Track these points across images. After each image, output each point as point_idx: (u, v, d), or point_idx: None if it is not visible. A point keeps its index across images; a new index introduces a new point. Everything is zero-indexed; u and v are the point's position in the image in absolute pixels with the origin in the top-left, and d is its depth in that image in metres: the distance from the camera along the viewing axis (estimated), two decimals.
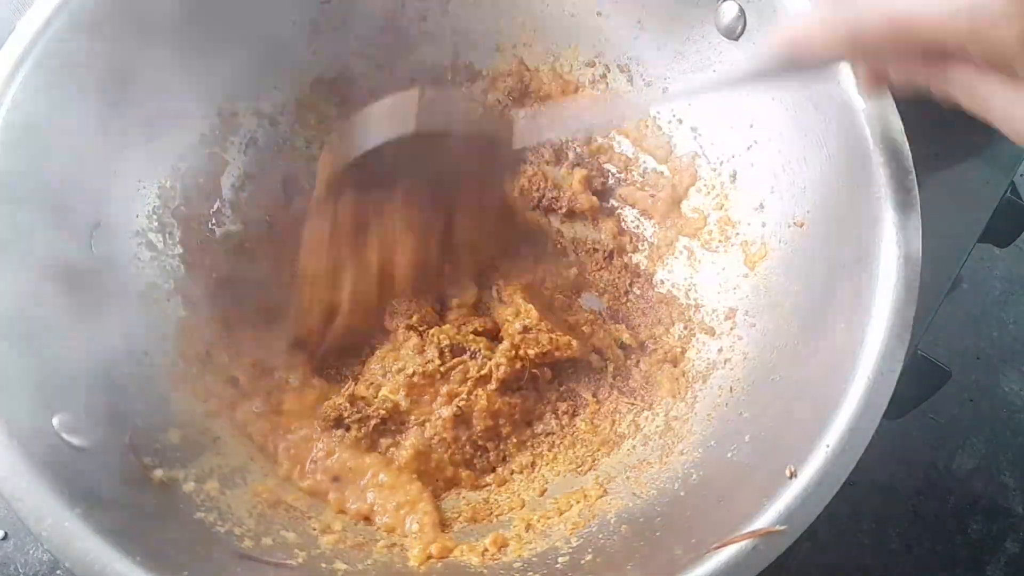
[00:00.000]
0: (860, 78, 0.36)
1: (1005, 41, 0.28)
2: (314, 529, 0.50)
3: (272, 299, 0.59)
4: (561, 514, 0.52)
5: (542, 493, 0.55)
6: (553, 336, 0.57)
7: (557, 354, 0.58)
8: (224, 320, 0.57)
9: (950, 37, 0.30)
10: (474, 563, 0.48)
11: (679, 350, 0.59)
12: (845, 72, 0.49)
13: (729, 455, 0.49)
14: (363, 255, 0.56)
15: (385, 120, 0.48)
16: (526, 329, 0.58)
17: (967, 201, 0.62)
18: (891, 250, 0.45)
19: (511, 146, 0.50)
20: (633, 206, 0.65)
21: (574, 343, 0.57)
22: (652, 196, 0.64)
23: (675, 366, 0.59)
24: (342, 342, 0.58)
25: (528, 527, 0.51)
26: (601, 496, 0.52)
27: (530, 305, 0.58)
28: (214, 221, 0.60)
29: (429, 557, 0.48)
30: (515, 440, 0.57)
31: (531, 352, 0.57)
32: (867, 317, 0.44)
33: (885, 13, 0.32)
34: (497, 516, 0.53)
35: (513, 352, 0.56)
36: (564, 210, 0.66)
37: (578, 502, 0.52)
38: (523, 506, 0.54)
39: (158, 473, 0.45)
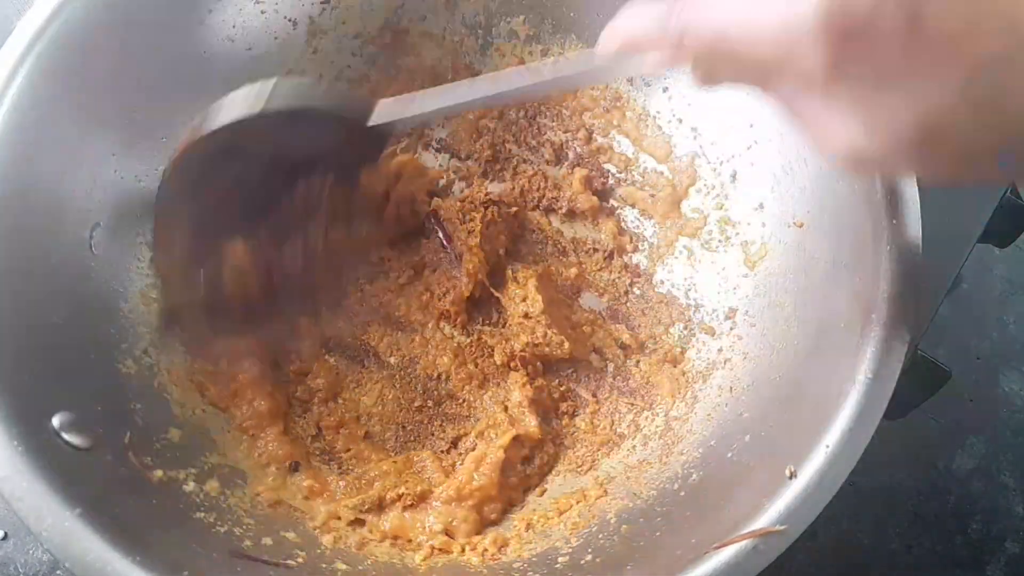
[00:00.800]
0: (694, 78, 0.37)
1: (813, 69, 0.30)
2: (314, 529, 0.50)
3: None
4: (561, 514, 0.52)
5: (542, 493, 0.55)
6: (549, 332, 0.57)
7: (547, 351, 0.58)
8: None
9: (767, 58, 0.32)
10: (474, 563, 0.48)
11: (679, 350, 0.59)
12: None
13: (729, 455, 0.49)
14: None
15: (237, 102, 0.47)
16: (526, 316, 0.58)
17: (967, 201, 0.61)
18: (891, 250, 0.45)
19: (365, 124, 0.48)
20: (633, 206, 0.65)
21: (566, 345, 0.57)
22: (652, 196, 0.64)
23: (675, 366, 0.59)
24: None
25: (528, 527, 0.51)
26: (601, 496, 0.52)
27: (538, 296, 0.58)
28: None
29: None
30: None
31: (522, 339, 0.57)
32: (867, 317, 0.44)
33: (709, 27, 0.34)
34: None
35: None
36: (564, 210, 0.66)
37: (578, 502, 0.52)
38: (523, 506, 0.54)
39: (158, 473, 0.45)
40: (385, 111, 0.48)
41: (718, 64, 0.35)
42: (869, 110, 0.31)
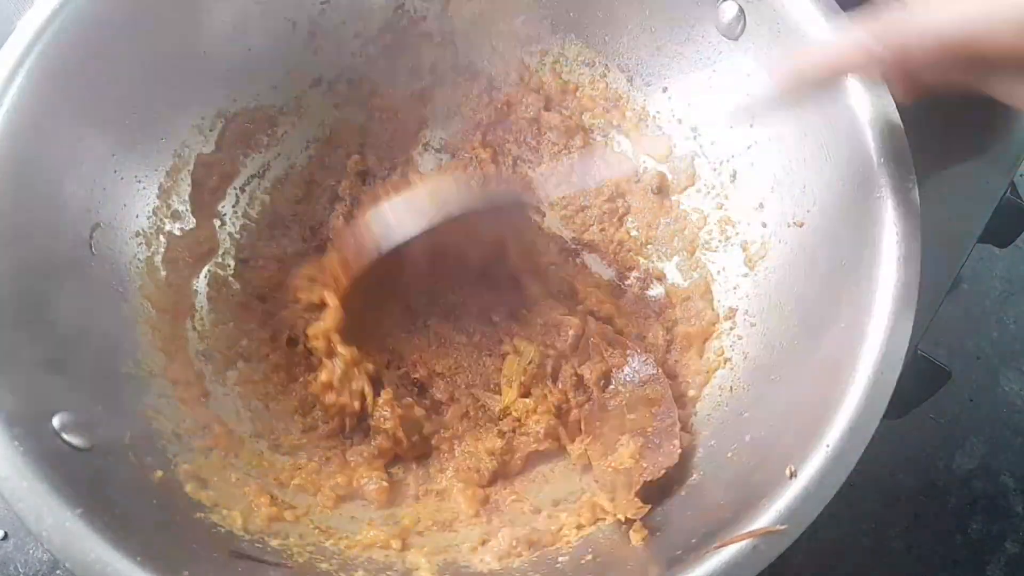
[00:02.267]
0: (896, 93, 0.37)
1: None
2: (315, 530, 0.50)
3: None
4: (561, 513, 0.52)
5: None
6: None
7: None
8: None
9: (1003, 50, 0.32)
10: (475, 562, 0.48)
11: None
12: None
13: (729, 455, 0.49)
14: None
15: (402, 217, 0.49)
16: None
17: (967, 201, 0.62)
18: (891, 250, 0.45)
19: (535, 203, 0.53)
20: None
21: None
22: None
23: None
24: None
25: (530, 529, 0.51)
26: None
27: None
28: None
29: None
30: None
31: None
32: (867, 317, 0.44)
33: (934, 35, 0.33)
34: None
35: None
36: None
37: (577, 501, 0.52)
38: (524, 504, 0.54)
39: (158, 473, 0.45)
40: (545, 188, 0.53)
41: (955, 67, 0.35)
42: None
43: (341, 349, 0.55)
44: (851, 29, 0.38)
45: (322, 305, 0.56)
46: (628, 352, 0.57)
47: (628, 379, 0.56)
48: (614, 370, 0.57)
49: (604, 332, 0.58)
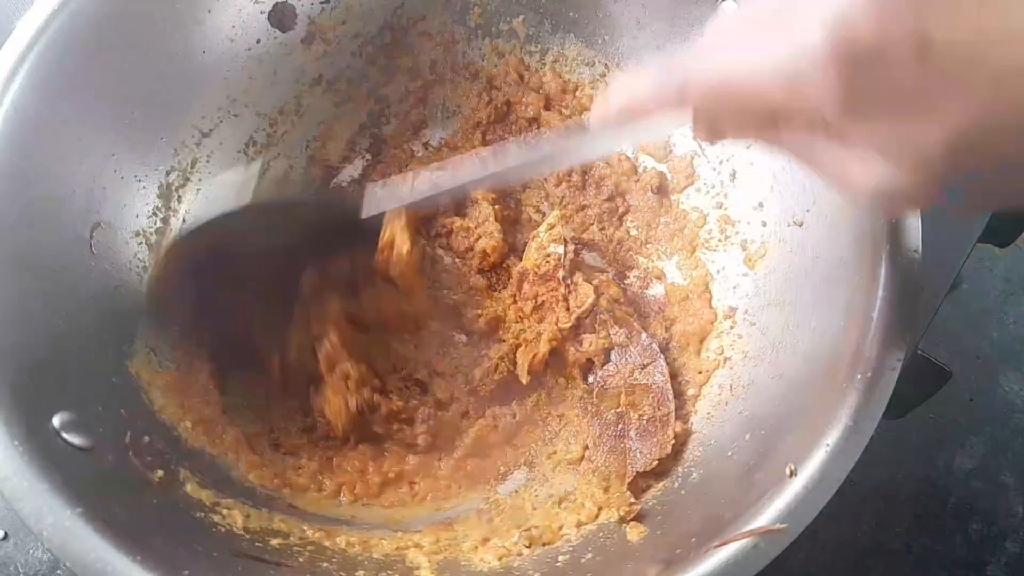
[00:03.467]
0: (698, 134, 0.37)
1: (825, 107, 0.29)
2: (316, 530, 0.50)
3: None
4: (562, 512, 0.52)
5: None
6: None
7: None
8: None
9: (774, 103, 0.31)
10: (475, 561, 0.48)
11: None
12: None
13: (729, 454, 0.49)
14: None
15: (225, 188, 0.48)
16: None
17: None
18: (891, 250, 0.45)
19: (358, 216, 0.49)
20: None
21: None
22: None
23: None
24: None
25: (530, 528, 0.51)
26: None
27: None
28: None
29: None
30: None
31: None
32: (867, 317, 0.44)
33: (711, 77, 0.33)
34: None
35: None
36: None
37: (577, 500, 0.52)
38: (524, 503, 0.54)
39: (158, 473, 0.45)
40: (375, 202, 0.49)
41: (723, 115, 0.34)
42: (892, 142, 0.29)
43: (352, 370, 0.55)
44: (650, 71, 0.37)
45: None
46: (633, 333, 0.57)
47: (629, 360, 0.56)
48: (617, 348, 0.57)
49: (614, 309, 0.58)
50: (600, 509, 0.50)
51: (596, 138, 0.43)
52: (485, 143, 0.67)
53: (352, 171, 0.66)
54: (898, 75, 0.27)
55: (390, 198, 0.49)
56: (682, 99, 0.35)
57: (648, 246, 0.64)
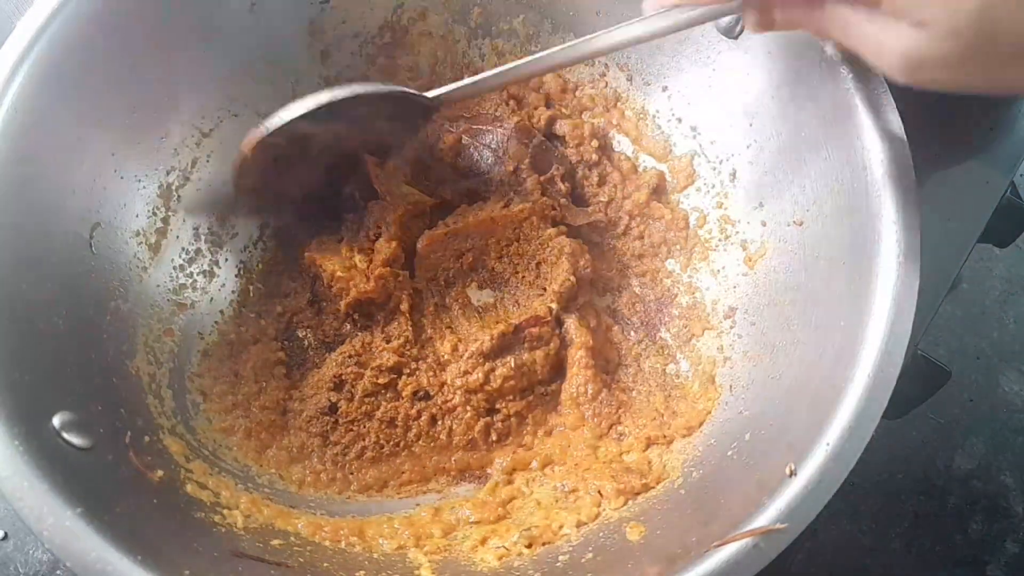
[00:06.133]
0: (748, 22, 0.41)
1: None
2: (316, 530, 0.50)
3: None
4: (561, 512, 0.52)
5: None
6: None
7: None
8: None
9: None
10: (475, 561, 0.48)
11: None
12: (846, 70, 0.49)
13: (729, 453, 0.49)
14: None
15: (293, 104, 0.52)
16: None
17: (967, 201, 0.62)
18: (891, 249, 0.45)
19: (425, 98, 0.54)
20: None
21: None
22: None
23: (675, 364, 0.59)
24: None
25: (529, 528, 0.51)
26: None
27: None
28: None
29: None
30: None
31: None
32: (867, 317, 0.44)
33: None
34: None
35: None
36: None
37: (577, 500, 0.52)
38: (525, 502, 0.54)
39: (158, 473, 0.45)
40: (438, 89, 0.54)
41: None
42: (924, 8, 0.31)
43: (387, 249, 0.58)
44: None
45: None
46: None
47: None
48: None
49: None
50: (599, 506, 0.50)
51: (650, 23, 0.46)
52: None
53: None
54: None
55: (450, 86, 0.54)
56: None
57: (647, 246, 0.64)
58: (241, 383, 0.56)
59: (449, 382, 0.57)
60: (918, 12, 0.32)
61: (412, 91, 0.54)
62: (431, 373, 0.57)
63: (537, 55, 0.51)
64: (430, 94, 0.54)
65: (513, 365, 0.57)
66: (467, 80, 0.54)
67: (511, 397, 0.57)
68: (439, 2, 0.64)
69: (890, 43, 0.34)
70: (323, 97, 0.52)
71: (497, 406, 0.57)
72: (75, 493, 0.39)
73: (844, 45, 0.37)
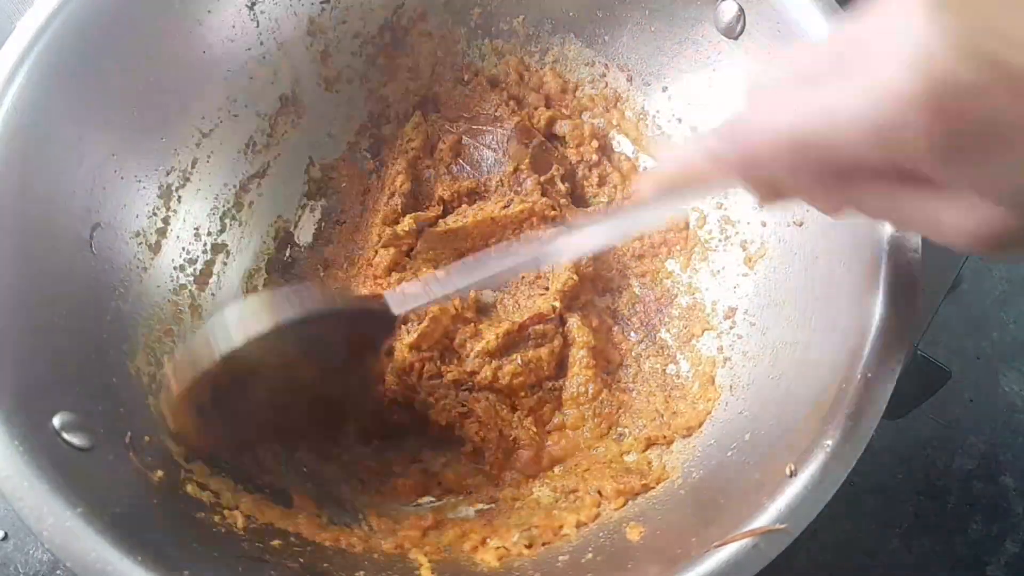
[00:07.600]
0: (755, 194, 0.35)
1: (917, 149, 0.27)
2: (316, 530, 0.50)
3: None
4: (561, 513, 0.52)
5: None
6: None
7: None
8: None
9: (857, 155, 0.28)
10: (475, 561, 0.48)
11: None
12: None
13: (729, 454, 0.49)
14: None
15: (239, 318, 0.43)
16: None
17: None
18: (891, 249, 0.45)
19: (389, 313, 0.47)
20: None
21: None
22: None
23: (675, 365, 0.59)
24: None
25: (529, 528, 0.51)
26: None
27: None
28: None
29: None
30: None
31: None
32: (867, 317, 0.44)
33: (783, 135, 0.30)
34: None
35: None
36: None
37: (577, 501, 0.52)
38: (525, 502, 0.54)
39: (158, 473, 0.45)
40: (398, 300, 0.47)
41: (796, 174, 0.31)
42: (993, 182, 0.27)
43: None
44: (703, 137, 0.35)
45: None
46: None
47: None
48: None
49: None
50: (599, 506, 0.50)
51: (645, 210, 0.42)
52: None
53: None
54: (995, 109, 0.25)
55: (412, 298, 0.47)
56: (747, 165, 0.33)
57: (647, 246, 0.64)
58: None
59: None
60: (985, 190, 0.28)
61: (375, 306, 0.47)
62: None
63: (504, 257, 0.46)
64: (396, 310, 0.47)
65: (520, 362, 0.57)
66: (435, 290, 0.47)
67: (523, 394, 0.57)
68: (439, 2, 0.64)
69: (956, 222, 0.29)
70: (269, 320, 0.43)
71: (515, 404, 0.58)
72: (75, 493, 0.39)
73: (887, 221, 0.33)
